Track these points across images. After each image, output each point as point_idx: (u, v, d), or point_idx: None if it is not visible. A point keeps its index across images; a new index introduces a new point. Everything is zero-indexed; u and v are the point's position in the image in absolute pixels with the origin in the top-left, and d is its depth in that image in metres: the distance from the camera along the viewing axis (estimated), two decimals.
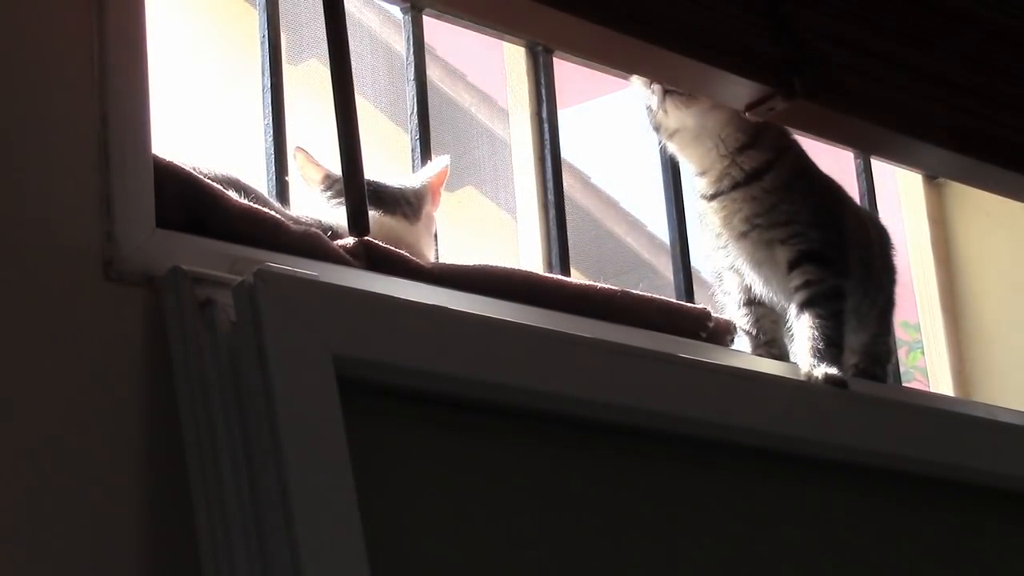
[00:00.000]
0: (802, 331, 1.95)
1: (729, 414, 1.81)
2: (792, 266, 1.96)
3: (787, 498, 1.88)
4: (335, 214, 1.79)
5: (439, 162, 1.97)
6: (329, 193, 1.85)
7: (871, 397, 2.03)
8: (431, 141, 2.01)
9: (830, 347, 1.93)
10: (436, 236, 1.97)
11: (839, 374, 1.92)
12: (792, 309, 1.98)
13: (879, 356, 2.17)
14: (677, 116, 1.96)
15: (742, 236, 1.98)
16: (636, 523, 1.72)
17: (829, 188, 2.06)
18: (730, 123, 1.96)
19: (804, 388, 1.95)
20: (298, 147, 1.87)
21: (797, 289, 1.96)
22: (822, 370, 1.91)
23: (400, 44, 2.06)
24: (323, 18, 1.65)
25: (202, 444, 1.45)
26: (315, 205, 1.85)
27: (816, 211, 1.97)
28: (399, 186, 1.91)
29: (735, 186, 1.97)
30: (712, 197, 1.99)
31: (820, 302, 1.94)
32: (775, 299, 2.02)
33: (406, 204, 1.89)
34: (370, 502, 1.46)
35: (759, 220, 1.97)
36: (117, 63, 1.55)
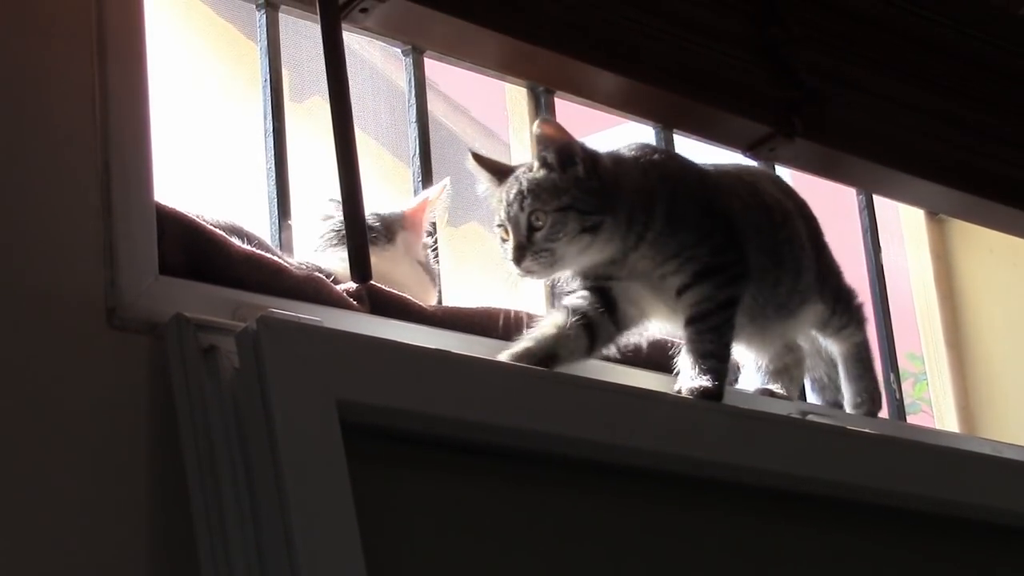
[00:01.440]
0: (686, 345, 1.83)
1: (730, 454, 1.81)
2: (681, 291, 1.83)
3: (791, 538, 1.87)
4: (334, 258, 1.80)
5: (434, 187, 1.95)
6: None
7: (876, 436, 2.02)
8: (433, 179, 2.01)
9: (709, 359, 1.81)
10: (434, 272, 1.95)
11: (710, 385, 1.79)
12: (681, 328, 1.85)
13: (874, 394, 2.09)
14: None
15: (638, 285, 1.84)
16: (643, 564, 1.72)
17: (705, 192, 1.88)
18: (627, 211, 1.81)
19: (806, 427, 1.95)
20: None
21: (687, 309, 1.83)
22: (689, 384, 1.80)
23: (400, 78, 2.06)
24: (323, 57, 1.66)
25: (207, 490, 1.45)
26: (315, 251, 1.85)
27: (699, 225, 1.84)
28: (370, 213, 1.88)
29: (624, 257, 1.82)
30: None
31: (707, 316, 1.82)
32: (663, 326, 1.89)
33: (370, 231, 1.86)
34: (374, 546, 1.45)
35: (652, 271, 1.83)
36: (119, 110, 1.55)
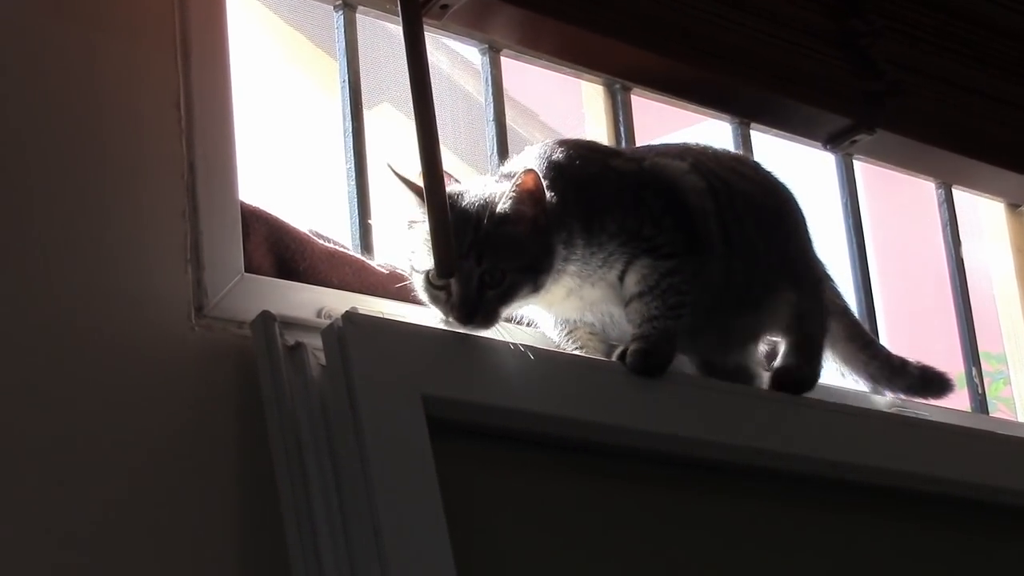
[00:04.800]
0: (628, 316, 1.67)
1: (815, 449, 1.80)
2: (623, 277, 1.66)
3: (874, 531, 1.86)
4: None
5: None
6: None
7: (965, 429, 2.01)
8: None
9: (652, 320, 1.64)
10: None
11: (645, 347, 1.64)
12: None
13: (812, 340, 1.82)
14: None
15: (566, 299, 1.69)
16: (728, 559, 1.71)
17: (619, 186, 1.68)
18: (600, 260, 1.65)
19: (885, 419, 1.93)
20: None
21: (631, 289, 1.67)
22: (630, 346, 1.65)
23: (470, 85, 2.06)
24: (394, 62, 1.66)
25: (295, 484, 1.46)
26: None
27: (622, 230, 1.65)
28: None
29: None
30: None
31: (652, 289, 1.65)
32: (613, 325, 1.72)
33: None
34: (462, 540, 1.46)
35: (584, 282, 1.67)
36: (203, 111, 1.57)
